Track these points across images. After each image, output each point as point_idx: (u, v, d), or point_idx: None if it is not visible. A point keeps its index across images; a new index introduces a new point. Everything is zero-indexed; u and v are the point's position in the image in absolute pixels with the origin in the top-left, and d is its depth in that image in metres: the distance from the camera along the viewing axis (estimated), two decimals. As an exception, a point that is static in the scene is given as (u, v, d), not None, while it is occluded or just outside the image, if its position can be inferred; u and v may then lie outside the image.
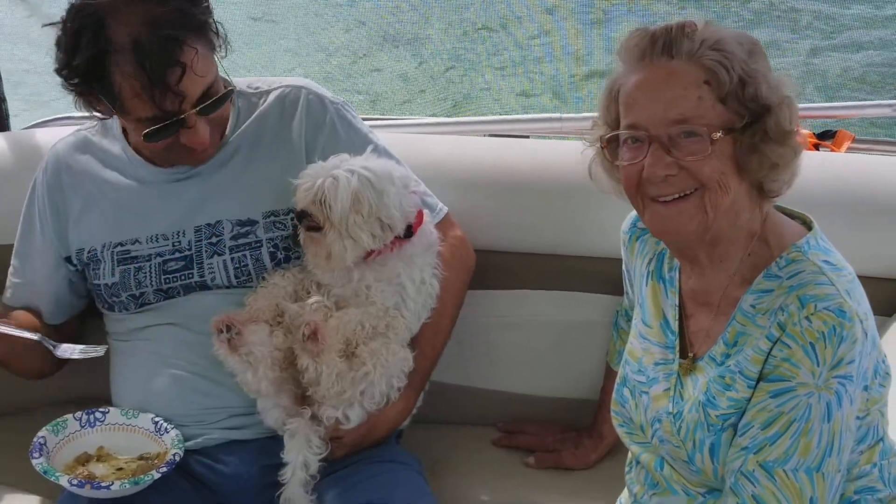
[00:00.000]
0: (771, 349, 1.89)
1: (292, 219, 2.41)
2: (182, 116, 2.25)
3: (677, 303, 2.12)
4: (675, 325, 2.11)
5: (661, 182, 1.93)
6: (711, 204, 1.93)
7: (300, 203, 2.31)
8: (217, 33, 2.33)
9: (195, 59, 2.22)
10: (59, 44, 2.27)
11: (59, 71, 2.27)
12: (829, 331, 1.83)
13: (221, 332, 2.31)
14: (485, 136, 3.23)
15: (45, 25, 2.30)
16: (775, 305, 1.89)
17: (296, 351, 2.32)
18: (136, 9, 2.20)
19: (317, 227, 2.31)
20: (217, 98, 2.31)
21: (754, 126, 1.89)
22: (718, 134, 1.88)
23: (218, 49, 2.33)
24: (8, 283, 2.61)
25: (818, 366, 1.83)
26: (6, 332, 2.31)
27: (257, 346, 2.31)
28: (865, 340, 1.86)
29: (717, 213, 1.93)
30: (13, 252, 2.60)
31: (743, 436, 1.91)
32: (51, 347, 2.36)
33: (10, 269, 2.60)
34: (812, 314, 1.84)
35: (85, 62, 2.21)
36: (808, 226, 2.01)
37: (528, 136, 3.28)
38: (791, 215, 2.05)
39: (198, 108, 2.27)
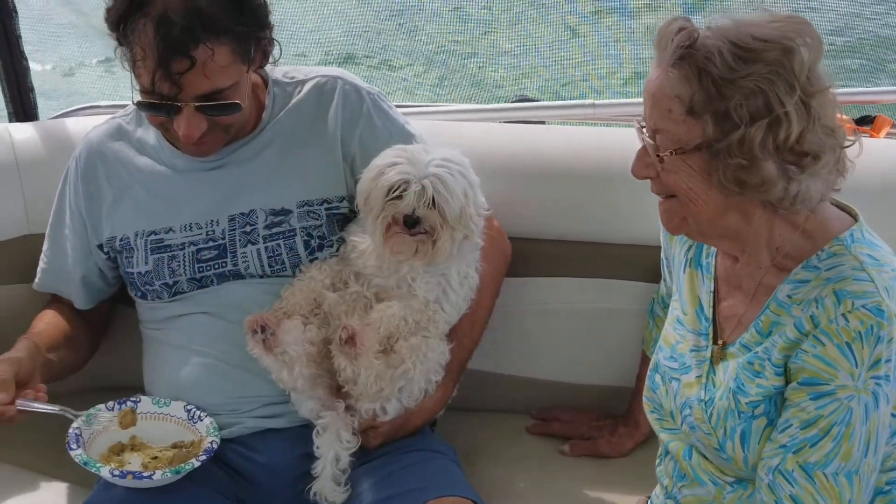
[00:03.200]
0: (800, 342, 1.86)
1: (327, 210, 2.42)
2: (178, 104, 2.23)
3: (713, 288, 2.10)
4: (709, 312, 2.09)
5: (646, 179, 1.96)
6: (689, 214, 1.93)
7: (409, 208, 2.22)
8: (262, 50, 2.32)
9: (208, 61, 2.19)
10: None
11: (105, 15, 2.26)
12: (865, 330, 1.80)
13: (256, 332, 2.30)
14: (501, 122, 3.21)
15: None
16: (810, 296, 1.87)
17: (332, 351, 2.31)
18: None
19: (424, 230, 2.26)
20: (221, 105, 2.27)
21: (715, 145, 1.83)
22: (666, 153, 1.87)
23: (254, 63, 2.32)
24: (39, 269, 2.62)
25: (856, 367, 1.81)
26: (29, 409, 2.25)
27: (292, 346, 2.30)
28: None
29: (698, 221, 1.93)
30: (45, 237, 2.61)
31: (782, 433, 1.89)
32: (72, 418, 2.31)
33: (42, 255, 2.62)
34: (849, 312, 1.81)
35: (122, 8, 2.20)
36: (856, 217, 1.98)
37: (543, 122, 3.26)
38: (840, 206, 2.01)
39: (196, 105, 2.24)
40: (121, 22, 2.21)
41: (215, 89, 2.24)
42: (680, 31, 1.84)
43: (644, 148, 1.94)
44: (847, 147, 1.89)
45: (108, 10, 2.25)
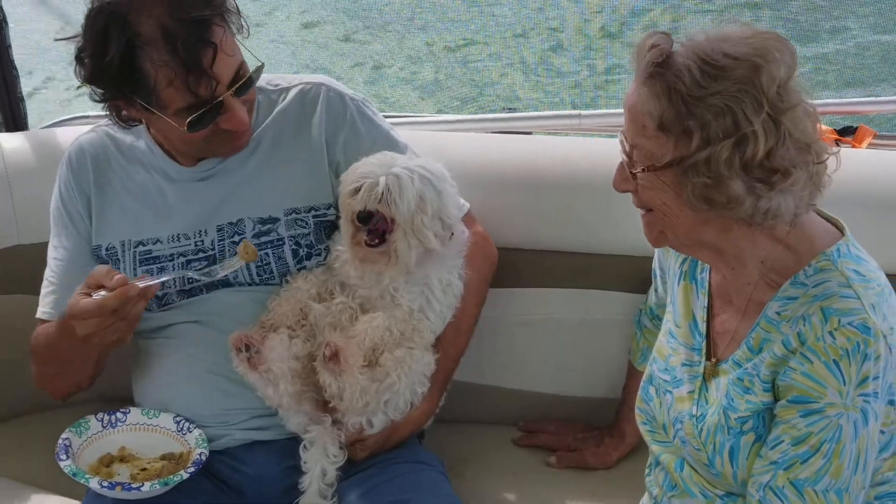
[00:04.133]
0: (787, 359, 1.87)
1: (315, 217, 2.42)
2: (220, 99, 2.24)
3: (706, 304, 2.11)
4: (703, 327, 2.10)
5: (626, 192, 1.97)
6: (666, 227, 1.94)
7: (361, 203, 2.23)
8: (238, 12, 2.31)
9: (224, 37, 2.21)
10: (81, 53, 2.25)
11: (88, 79, 2.25)
12: (852, 348, 1.81)
13: (241, 350, 2.31)
14: (489, 132, 3.22)
15: (60, 39, 2.30)
16: (798, 314, 1.87)
17: (317, 367, 2.31)
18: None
19: (381, 236, 2.26)
20: (249, 77, 2.30)
21: (684, 163, 1.83)
22: (638, 170, 1.89)
23: (241, 29, 2.31)
24: (43, 297, 2.49)
25: (844, 384, 1.81)
26: (151, 282, 2.21)
27: (276, 363, 2.30)
28: (889, 356, 1.83)
29: (676, 234, 1.95)
30: (48, 261, 2.51)
31: (773, 450, 1.90)
32: (203, 277, 2.34)
33: (45, 282, 2.50)
34: (835, 329, 1.82)
35: (118, 58, 2.18)
36: (842, 230, 1.98)
37: (530, 133, 3.27)
38: (826, 218, 2.01)
39: (232, 90, 2.26)
40: (122, 67, 2.19)
41: (238, 66, 2.26)
42: (652, 49, 1.84)
43: (627, 166, 1.95)
44: (823, 162, 1.88)
45: (101, 70, 2.22)
